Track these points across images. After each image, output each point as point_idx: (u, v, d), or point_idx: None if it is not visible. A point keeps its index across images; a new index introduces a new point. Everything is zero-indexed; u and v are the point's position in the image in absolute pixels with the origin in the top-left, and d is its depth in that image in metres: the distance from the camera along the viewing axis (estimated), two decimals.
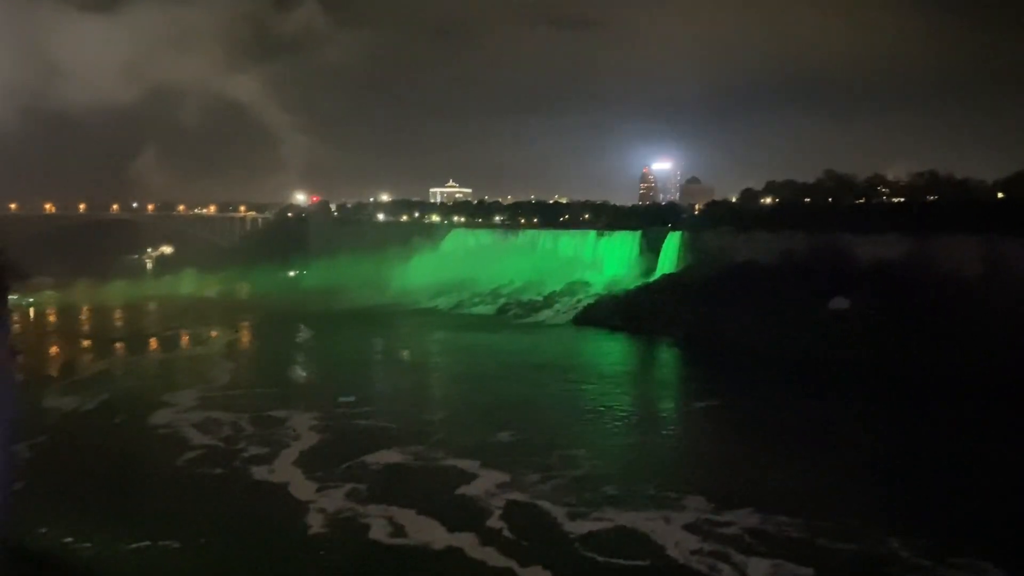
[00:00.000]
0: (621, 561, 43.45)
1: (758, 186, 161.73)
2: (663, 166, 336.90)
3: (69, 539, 45.05)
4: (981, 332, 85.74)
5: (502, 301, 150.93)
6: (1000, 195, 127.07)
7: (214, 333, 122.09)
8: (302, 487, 54.03)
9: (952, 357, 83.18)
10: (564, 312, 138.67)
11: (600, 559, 43.79)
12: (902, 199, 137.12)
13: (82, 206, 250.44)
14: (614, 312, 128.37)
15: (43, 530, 45.59)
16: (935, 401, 75.37)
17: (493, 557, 43.87)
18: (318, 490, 53.33)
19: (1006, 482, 55.07)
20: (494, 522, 48.20)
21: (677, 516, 48.90)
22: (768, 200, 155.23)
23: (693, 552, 44.39)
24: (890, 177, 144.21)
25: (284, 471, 57.43)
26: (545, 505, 50.91)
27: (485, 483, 54.70)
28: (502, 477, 55.63)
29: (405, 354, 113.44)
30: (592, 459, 60.38)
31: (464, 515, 49.20)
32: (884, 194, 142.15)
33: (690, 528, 47.31)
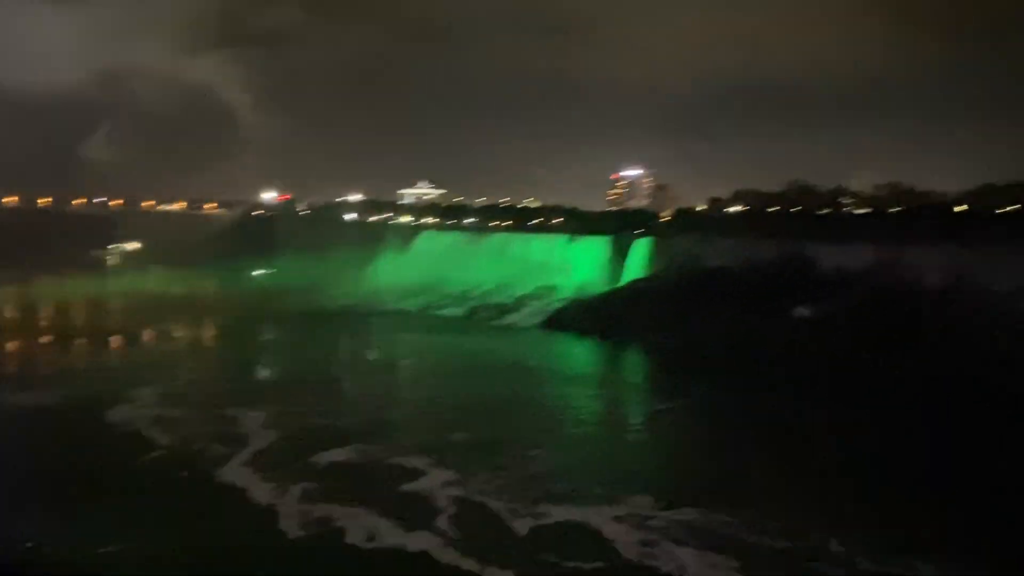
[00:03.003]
0: (555, 556, 44.22)
1: (725, 194, 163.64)
2: (633, 172, 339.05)
3: (30, 544, 43.80)
4: (942, 341, 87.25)
5: (472, 304, 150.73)
6: (961, 208, 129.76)
7: (179, 331, 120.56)
8: (262, 487, 53.55)
9: (913, 365, 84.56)
10: (533, 315, 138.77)
11: (539, 553, 44.62)
12: (866, 210, 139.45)
13: (46, 200, 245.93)
14: (583, 316, 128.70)
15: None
16: (894, 407, 76.49)
17: (437, 554, 44.40)
18: (276, 489, 52.98)
19: (955, 486, 56.08)
20: (441, 520, 48.67)
21: (618, 512, 49.85)
22: (735, 208, 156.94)
23: (626, 544, 45.62)
24: (854, 188, 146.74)
25: (247, 471, 56.83)
26: (490, 502, 51.48)
27: (435, 481, 55.03)
28: (452, 475, 55.98)
29: (370, 355, 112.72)
30: (545, 458, 60.80)
31: (413, 513, 49.55)
32: (849, 205, 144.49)
33: (629, 523, 48.29)
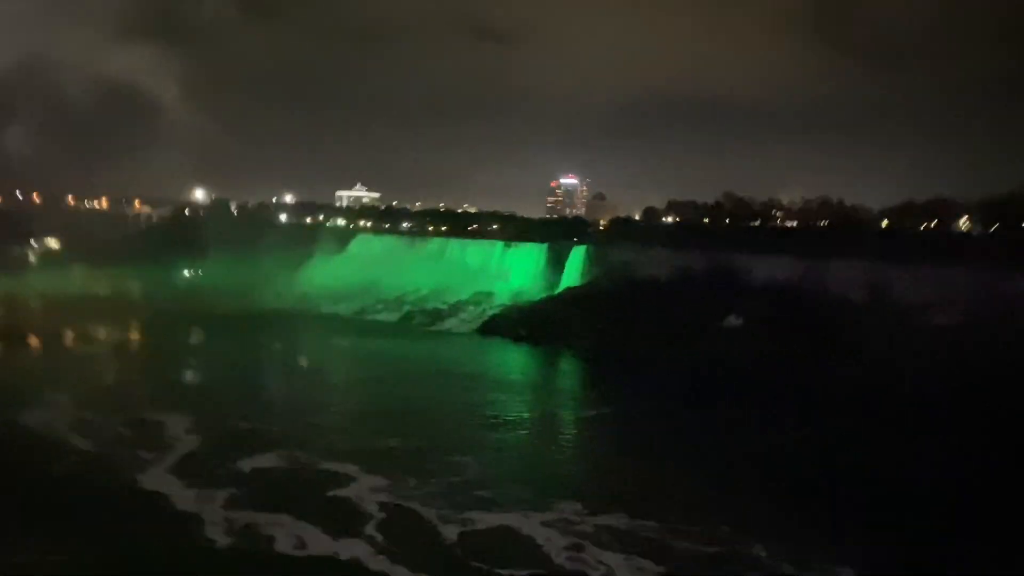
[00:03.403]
0: (485, 563, 44.33)
1: (660, 204, 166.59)
2: (570, 181, 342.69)
3: None
4: (862, 353, 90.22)
5: (407, 308, 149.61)
6: (884, 223, 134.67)
7: (101, 332, 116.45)
8: (187, 494, 52.26)
9: (835, 375, 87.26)
10: (469, 321, 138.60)
11: (469, 559, 44.76)
12: (795, 223, 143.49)
13: None
14: (519, 323, 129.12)
15: None
16: (816, 415, 78.71)
17: (367, 561, 44.09)
18: (201, 496, 51.79)
19: (874, 491, 57.80)
20: (369, 527, 48.28)
21: (546, 518, 50.40)
22: (669, 219, 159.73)
23: (554, 549, 46.24)
24: (785, 201, 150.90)
25: (170, 477, 55.32)
26: (419, 508, 51.40)
27: (363, 487, 54.60)
28: (382, 482, 55.60)
29: (299, 359, 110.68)
30: (475, 465, 60.78)
31: (342, 520, 49.06)
32: (779, 217, 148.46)
33: (556, 528, 48.90)
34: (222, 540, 45.87)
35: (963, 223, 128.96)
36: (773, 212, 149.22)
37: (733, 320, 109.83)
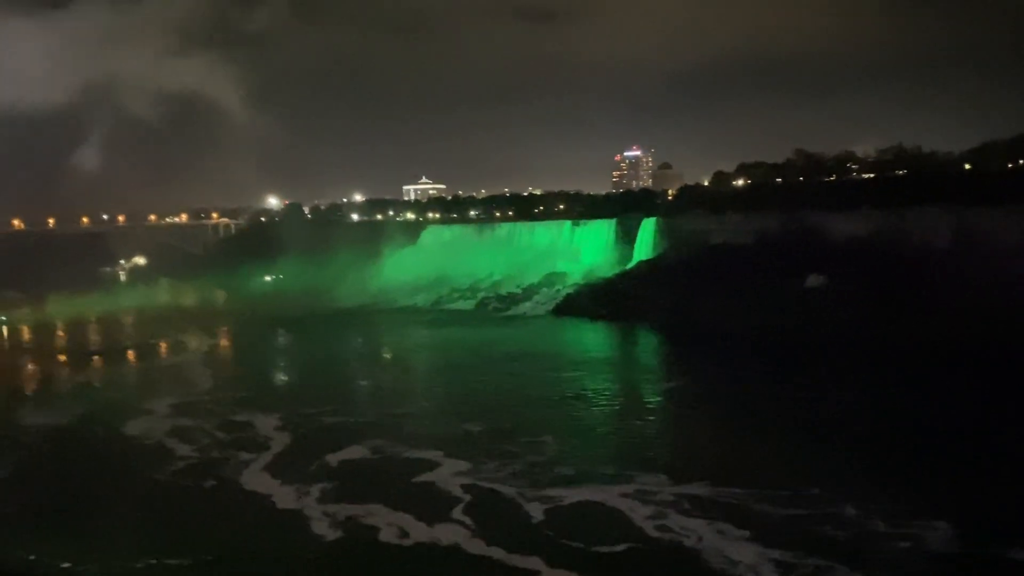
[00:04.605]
0: (570, 538, 44.41)
1: (729, 168, 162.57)
2: (634, 153, 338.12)
3: (67, 564, 43.52)
4: (951, 300, 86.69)
5: (481, 295, 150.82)
6: (967, 166, 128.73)
7: (192, 342, 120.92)
8: (286, 491, 53.69)
9: (924, 327, 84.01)
10: (543, 303, 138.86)
11: (559, 537, 44.73)
12: (871, 175, 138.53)
13: (51, 220, 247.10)
14: (593, 301, 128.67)
15: (32, 556, 44.35)
16: (907, 371, 76.25)
17: (466, 545, 44.56)
18: (299, 492, 53.15)
19: (970, 446, 56.00)
20: (458, 511, 48.90)
21: (627, 490, 50.39)
22: (740, 182, 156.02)
23: (636, 520, 46.18)
24: (859, 153, 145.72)
25: (267, 476, 57.02)
26: (503, 489, 51.88)
27: (448, 472, 55.46)
28: (465, 465, 56.47)
29: (383, 353, 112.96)
30: (555, 443, 61.02)
31: (432, 506, 49.76)
32: (854, 170, 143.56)
33: (639, 500, 48.82)
34: (331, 535, 46.80)
35: None
36: (848, 165, 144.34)
37: (815, 279, 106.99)
